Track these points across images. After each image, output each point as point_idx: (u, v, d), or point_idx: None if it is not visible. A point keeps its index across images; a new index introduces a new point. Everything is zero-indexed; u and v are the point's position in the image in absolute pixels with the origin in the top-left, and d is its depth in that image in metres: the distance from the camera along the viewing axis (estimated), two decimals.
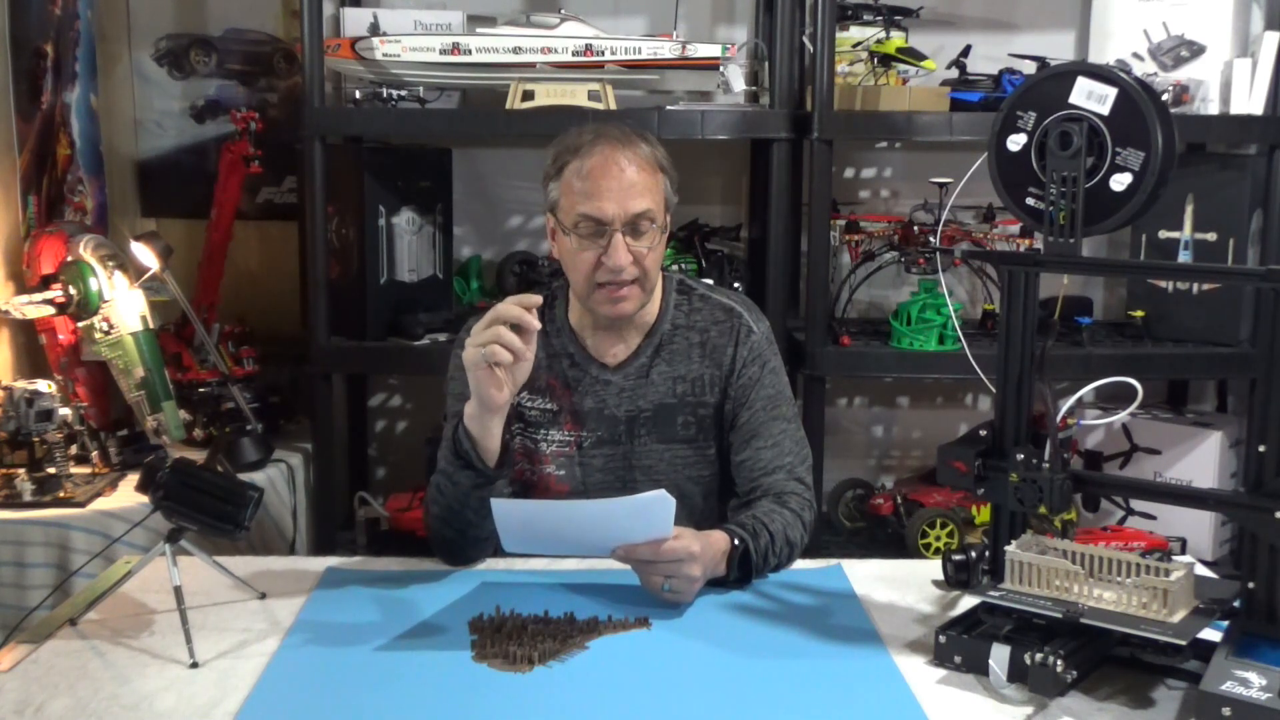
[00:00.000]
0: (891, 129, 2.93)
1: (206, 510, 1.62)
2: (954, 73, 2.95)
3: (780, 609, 1.74)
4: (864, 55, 2.92)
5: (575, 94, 2.77)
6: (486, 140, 3.30)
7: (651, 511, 1.70)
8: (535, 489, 2.07)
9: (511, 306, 1.75)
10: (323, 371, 2.89)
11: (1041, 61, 2.86)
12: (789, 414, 2.05)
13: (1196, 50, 2.91)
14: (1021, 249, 2.74)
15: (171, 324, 2.96)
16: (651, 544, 1.71)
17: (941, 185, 2.80)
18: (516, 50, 2.79)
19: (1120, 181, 1.51)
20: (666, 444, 2.03)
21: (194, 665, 1.53)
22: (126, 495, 2.50)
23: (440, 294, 3.07)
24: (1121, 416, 3.03)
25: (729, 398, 2.04)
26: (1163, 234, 2.98)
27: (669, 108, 2.83)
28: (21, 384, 2.50)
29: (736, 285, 2.96)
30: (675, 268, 2.97)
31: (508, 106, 2.78)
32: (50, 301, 2.58)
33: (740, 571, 1.81)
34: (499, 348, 1.74)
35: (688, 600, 1.74)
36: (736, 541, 1.80)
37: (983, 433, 1.62)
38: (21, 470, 2.49)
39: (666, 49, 2.84)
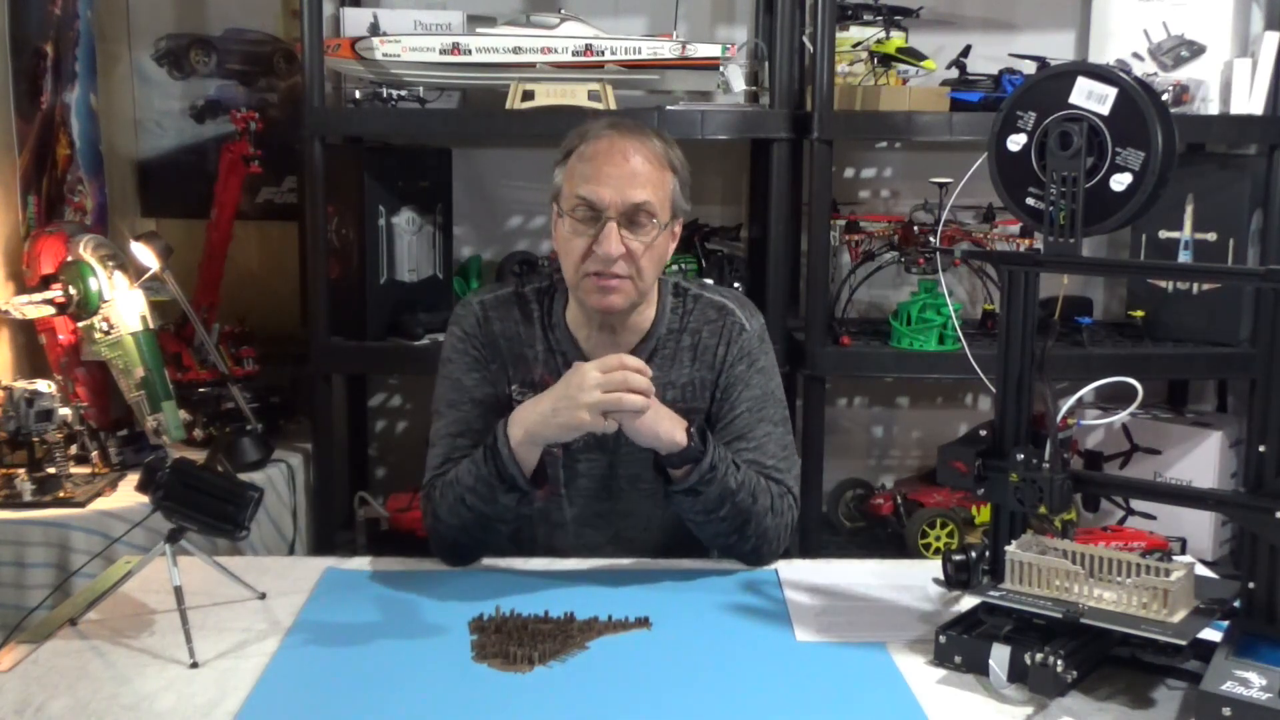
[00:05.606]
0: (891, 129, 2.92)
1: (206, 510, 1.61)
2: (954, 73, 2.94)
3: (780, 609, 1.74)
4: (864, 55, 2.92)
5: (575, 94, 2.77)
6: (486, 140, 3.30)
7: None
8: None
9: (639, 365, 1.76)
10: (323, 371, 2.89)
11: (1041, 61, 2.86)
12: (776, 417, 1.96)
13: (1196, 50, 2.91)
14: (1021, 249, 2.74)
15: (171, 324, 2.96)
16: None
17: (941, 185, 2.80)
18: (516, 50, 2.79)
19: (1120, 181, 1.51)
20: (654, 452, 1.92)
21: (194, 665, 1.53)
22: (126, 495, 2.50)
23: (440, 294, 3.07)
24: (1121, 416, 3.02)
25: (715, 399, 1.96)
26: (1163, 234, 2.98)
27: (669, 108, 2.83)
28: (21, 384, 2.49)
29: (736, 285, 2.96)
30: (675, 268, 2.96)
31: (508, 106, 2.78)
32: (50, 301, 2.58)
33: (700, 449, 1.79)
34: (632, 398, 1.73)
35: (639, 419, 1.75)
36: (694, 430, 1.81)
37: (983, 433, 1.62)
38: (21, 470, 2.48)
39: (666, 49, 2.84)
